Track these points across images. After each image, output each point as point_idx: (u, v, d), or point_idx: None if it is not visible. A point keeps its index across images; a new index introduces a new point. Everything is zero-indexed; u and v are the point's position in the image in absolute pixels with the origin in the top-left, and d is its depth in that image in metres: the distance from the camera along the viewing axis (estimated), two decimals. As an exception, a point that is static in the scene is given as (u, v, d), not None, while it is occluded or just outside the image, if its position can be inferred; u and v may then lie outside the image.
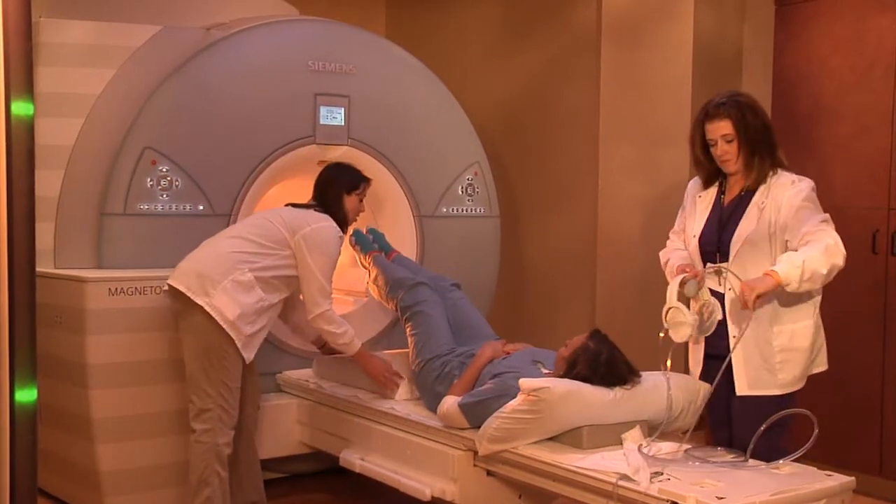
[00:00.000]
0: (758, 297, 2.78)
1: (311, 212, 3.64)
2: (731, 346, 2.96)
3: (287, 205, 3.74)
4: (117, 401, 3.62)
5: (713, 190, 3.10)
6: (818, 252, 2.80)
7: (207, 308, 3.34)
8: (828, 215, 2.93)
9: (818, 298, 2.96)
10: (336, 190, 3.74)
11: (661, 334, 2.97)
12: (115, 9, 4.19)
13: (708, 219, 3.08)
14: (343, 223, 3.71)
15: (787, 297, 2.91)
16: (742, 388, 2.99)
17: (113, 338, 3.62)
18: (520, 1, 5.89)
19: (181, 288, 3.38)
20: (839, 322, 4.06)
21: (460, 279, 4.74)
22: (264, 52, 4.23)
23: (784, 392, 2.93)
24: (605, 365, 3.13)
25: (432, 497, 3.29)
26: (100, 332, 3.60)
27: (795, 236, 2.88)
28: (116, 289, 3.62)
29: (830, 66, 4.28)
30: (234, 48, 4.19)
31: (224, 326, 3.35)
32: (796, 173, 3.02)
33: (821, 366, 3.02)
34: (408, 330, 3.88)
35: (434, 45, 6.27)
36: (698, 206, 3.13)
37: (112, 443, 3.62)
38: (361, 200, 3.83)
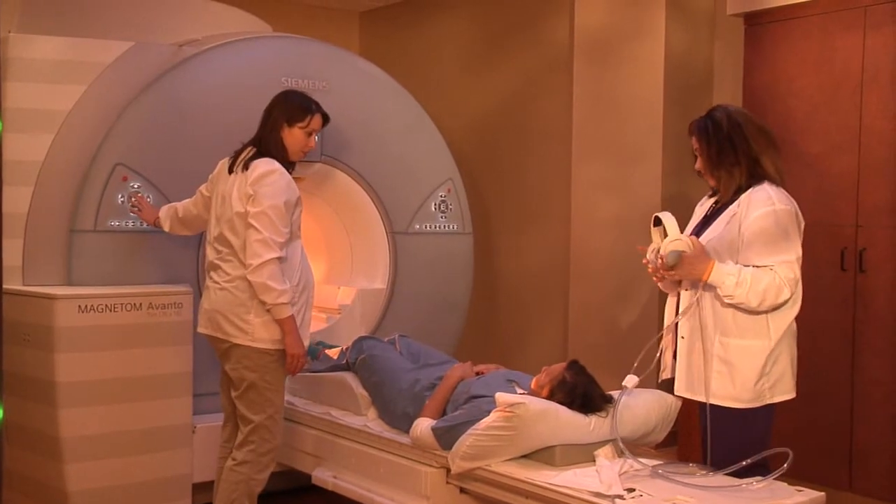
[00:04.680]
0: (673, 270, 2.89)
1: (247, 171, 3.32)
2: (661, 333, 3.04)
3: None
4: (86, 419, 3.58)
5: (713, 199, 3.14)
6: (759, 287, 2.81)
7: (252, 344, 3.30)
8: (792, 256, 2.87)
9: (781, 322, 2.91)
10: (276, 119, 3.40)
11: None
12: (87, 25, 4.16)
13: (697, 223, 3.12)
14: (279, 159, 3.35)
15: (741, 311, 2.92)
16: (680, 388, 3.03)
17: (82, 356, 3.58)
18: (493, 19, 5.93)
19: (217, 335, 3.36)
20: (808, 338, 4.10)
21: (433, 296, 4.74)
22: (237, 69, 4.23)
23: (721, 404, 2.91)
24: (581, 397, 3.16)
25: None
26: (69, 349, 3.56)
27: (747, 264, 2.88)
28: (86, 306, 3.59)
29: (799, 85, 4.33)
30: (206, 65, 4.18)
31: (276, 347, 3.32)
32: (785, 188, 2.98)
33: (783, 394, 2.95)
34: (365, 377, 3.83)
35: (407, 63, 6.29)
36: (697, 211, 3.20)
37: (80, 462, 3.58)
38: (310, 135, 3.46)
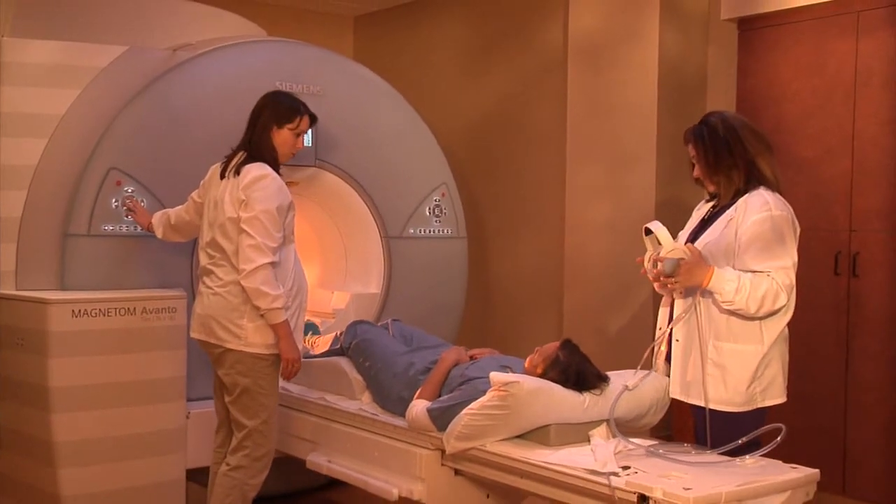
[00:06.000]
0: (677, 283, 2.88)
1: (238, 177, 3.32)
2: (658, 336, 3.07)
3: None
4: (80, 424, 3.57)
5: (710, 203, 3.15)
6: (758, 293, 2.82)
7: (246, 349, 3.30)
8: (788, 262, 2.86)
9: (774, 328, 2.92)
10: (264, 121, 3.39)
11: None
12: (81, 29, 4.16)
13: (693, 227, 3.14)
14: (271, 162, 3.35)
15: (738, 316, 2.92)
16: (675, 390, 3.04)
17: (76, 360, 3.57)
18: (487, 23, 5.93)
19: (211, 340, 3.35)
20: (802, 342, 4.11)
21: (428, 300, 4.74)
22: (231, 73, 4.23)
23: (713, 407, 2.92)
24: (575, 375, 3.15)
25: (399, 497, 3.27)
26: (63, 354, 3.55)
27: (744, 269, 2.88)
28: (80, 310, 3.58)
29: (792, 89, 4.34)
30: (200, 69, 4.18)
31: (270, 352, 3.31)
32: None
33: (774, 398, 2.96)
34: (360, 361, 3.83)
35: (401, 67, 6.29)
36: (694, 216, 3.21)
37: (74, 467, 3.56)
38: (299, 136, 3.45)
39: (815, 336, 4.18)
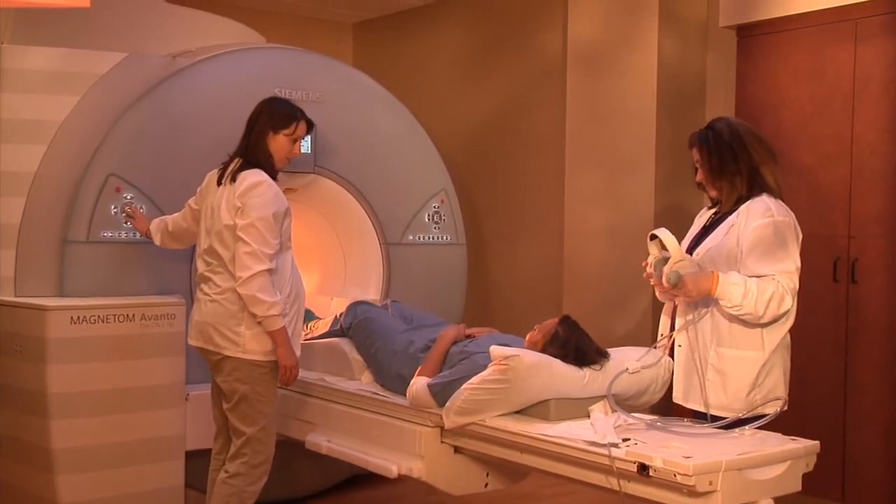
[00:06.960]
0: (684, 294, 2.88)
1: (235, 183, 3.31)
2: (662, 343, 3.07)
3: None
4: (78, 431, 3.57)
5: (712, 210, 3.15)
6: (764, 297, 2.82)
7: (244, 356, 3.29)
8: (791, 266, 2.87)
9: (775, 335, 2.92)
10: (261, 127, 3.39)
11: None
12: (80, 36, 4.17)
13: (695, 234, 3.14)
14: (267, 167, 3.35)
15: (736, 321, 2.92)
16: (678, 396, 3.04)
17: (75, 367, 3.57)
18: (486, 29, 5.94)
19: (209, 347, 3.34)
20: (801, 348, 4.10)
21: (427, 306, 4.73)
22: (230, 80, 4.23)
23: (713, 413, 2.92)
24: (574, 350, 3.15)
25: (399, 475, 3.26)
26: (61, 361, 3.54)
27: (747, 273, 2.88)
28: (79, 317, 3.58)
29: (791, 96, 4.35)
30: (200, 75, 4.19)
31: (268, 359, 3.30)
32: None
33: (775, 405, 2.94)
34: (360, 340, 3.82)
35: (400, 73, 6.30)
36: (696, 222, 3.21)
37: (72, 474, 3.56)
38: (295, 142, 3.45)
39: (814, 342, 4.18)
